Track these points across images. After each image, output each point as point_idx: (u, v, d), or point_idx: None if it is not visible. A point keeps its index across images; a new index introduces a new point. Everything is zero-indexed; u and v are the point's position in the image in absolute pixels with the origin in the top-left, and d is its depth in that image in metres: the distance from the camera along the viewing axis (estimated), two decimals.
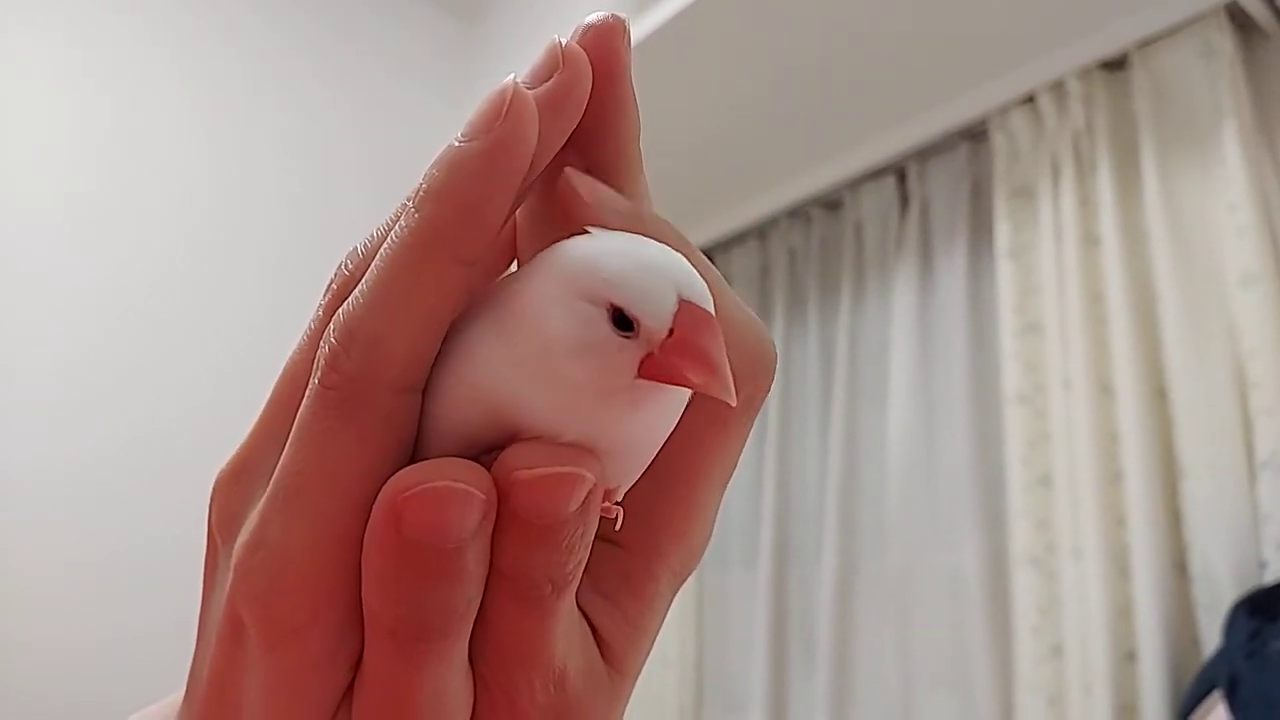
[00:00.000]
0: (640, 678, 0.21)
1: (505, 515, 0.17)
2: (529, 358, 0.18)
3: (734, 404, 0.17)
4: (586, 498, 0.17)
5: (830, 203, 1.85)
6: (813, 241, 1.87)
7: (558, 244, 0.19)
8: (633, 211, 0.19)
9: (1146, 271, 1.30)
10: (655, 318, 0.17)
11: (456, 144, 0.18)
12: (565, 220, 0.19)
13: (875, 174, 1.74)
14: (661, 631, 0.21)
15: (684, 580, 0.21)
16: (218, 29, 1.81)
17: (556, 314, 0.18)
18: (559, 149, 0.20)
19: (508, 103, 0.18)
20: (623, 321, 0.17)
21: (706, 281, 0.19)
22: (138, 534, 1.56)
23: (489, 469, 0.17)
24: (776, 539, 1.79)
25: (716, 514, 0.21)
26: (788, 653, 1.76)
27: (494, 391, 0.18)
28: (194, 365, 1.66)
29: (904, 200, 1.72)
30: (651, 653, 0.21)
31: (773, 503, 1.80)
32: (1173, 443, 1.25)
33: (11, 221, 1.58)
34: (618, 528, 0.19)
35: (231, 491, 0.19)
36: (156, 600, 1.51)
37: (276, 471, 0.18)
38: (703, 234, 1.97)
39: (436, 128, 1.96)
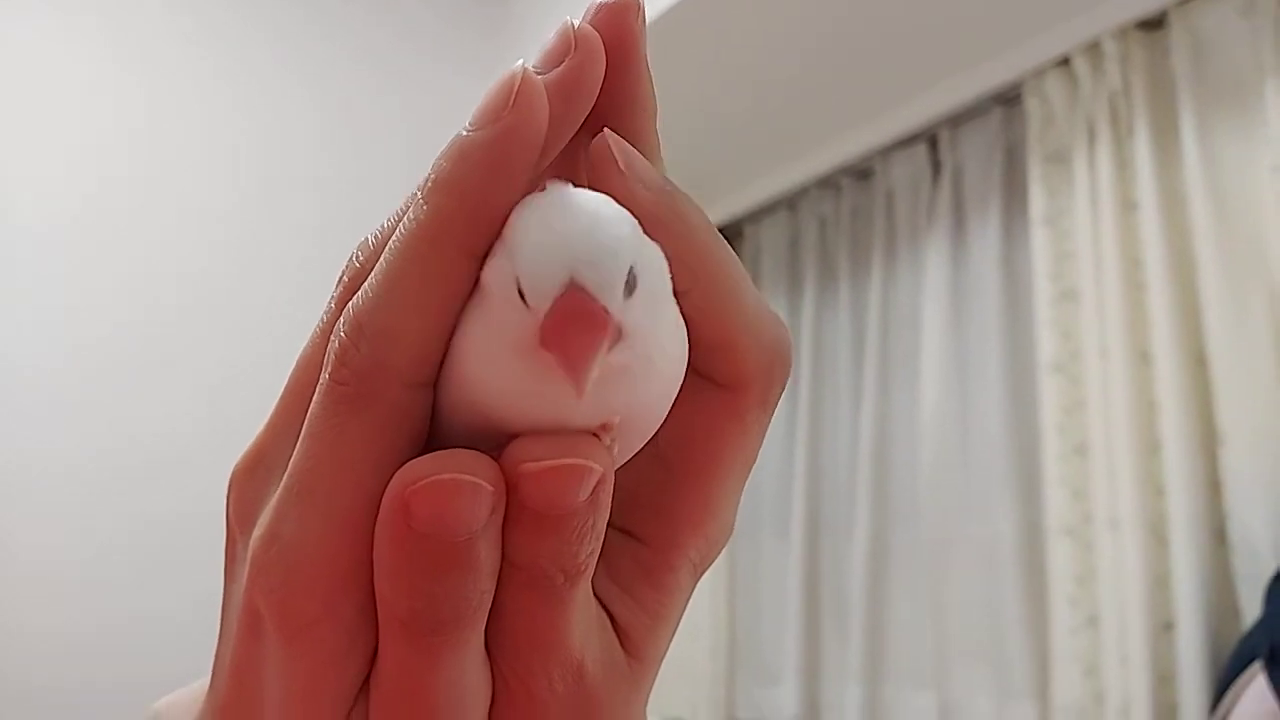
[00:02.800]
0: (672, 648, 0.21)
1: (515, 507, 0.17)
2: (473, 322, 0.17)
3: (578, 397, 0.16)
4: (596, 487, 0.16)
5: (861, 171, 1.83)
6: (843, 211, 1.85)
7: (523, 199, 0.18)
8: (664, 188, 0.19)
9: (1185, 237, 1.28)
10: (535, 293, 0.16)
11: (464, 133, 0.18)
12: (591, 186, 0.19)
13: (906, 141, 1.72)
14: (693, 602, 0.21)
15: (704, 570, 0.21)
16: (245, 11, 1.81)
17: (489, 268, 0.17)
18: (572, 134, 0.19)
19: (515, 90, 0.18)
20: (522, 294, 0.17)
21: (715, 270, 0.19)
22: (142, 519, 1.57)
23: (498, 461, 0.17)
24: (808, 509, 1.78)
25: (737, 506, 0.21)
26: (820, 623, 1.76)
27: (467, 373, 0.17)
28: (218, 352, 1.67)
29: (936, 167, 1.70)
30: (683, 624, 0.21)
31: (805, 473, 1.79)
32: (1212, 410, 1.23)
33: (39, 208, 1.59)
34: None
35: (248, 484, 0.19)
36: (160, 585, 1.55)
37: (289, 466, 0.18)
38: (732, 205, 1.96)
39: (470, 107, 1.95)
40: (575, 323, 0.16)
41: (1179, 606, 1.20)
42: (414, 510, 0.16)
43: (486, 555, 0.17)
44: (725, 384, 0.19)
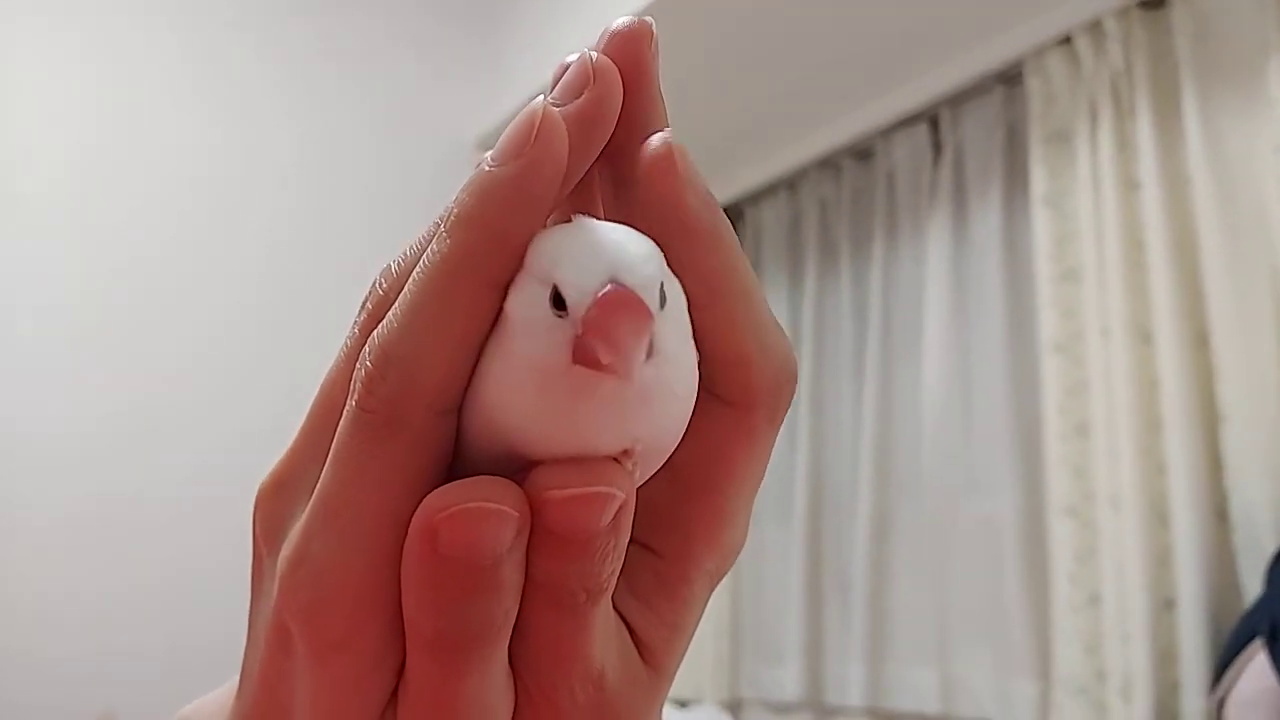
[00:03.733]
0: None
1: (539, 530, 0.17)
2: (497, 349, 0.18)
3: (631, 385, 0.17)
4: (618, 512, 0.17)
5: (861, 152, 1.82)
6: (844, 192, 1.84)
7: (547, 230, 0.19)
8: (709, 198, 0.19)
9: (1187, 216, 1.28)
10: (579, 291, 0.17)
11: (486, 168, 0.18)
12: (643, 178, 0.19)
13: (907, 121, 1.71)
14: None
15: (719, 579, 0.21)
16: (228, 16, 1.81)
17: (514, 296, 0.18)
18: (590, 165, 0.20)
19: (537, 126, 0.18)
20: (558, 300, 0.17)
21: (739, 285, 0.19)
22: (137, 488, 1.59)
23: (522, 485, 0.17)
24: (811, 491, 1.79)
25: (749, 518, 0.21)
26: (824, 604, 1.77)
27: (489, 398, 0.18)
28: (193, 330, 1.69)
29: (937, 147, 1.69)
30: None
31: (807, 455, 1.80)
32: (1214, 389, 1.23)
33: (22, 187, 1.60)
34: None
35: (274, 503, 0.20)
36: (155, 555, 1.57)
37: (317, 489, 0.18)
38: (732, 186, 1.95)
39: (444, 101, 1.96)
40: (620, 309, 0.17)
41: (1180, 584, 1.21)
42: (441, 536, 0.17)
43: (511, 577, 0.17)
44: (735, 401, 0.20)
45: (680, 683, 1.88)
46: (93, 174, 1.66)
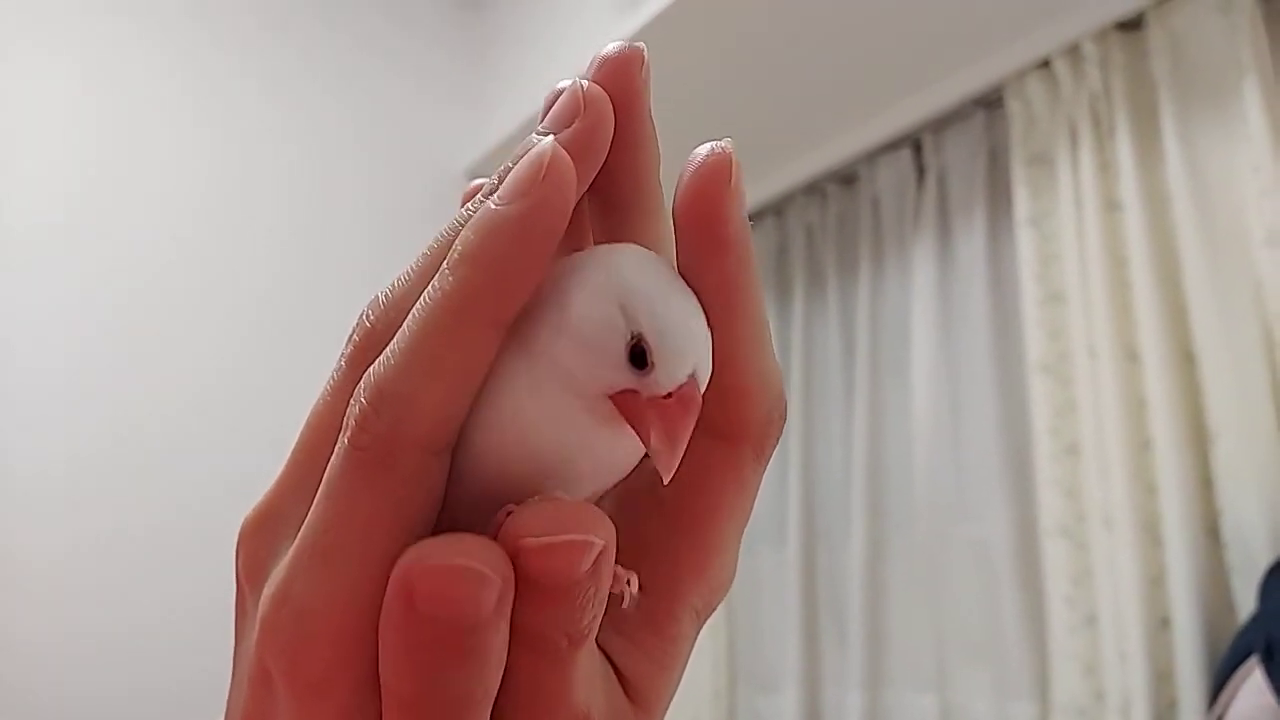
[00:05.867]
0: None
1: (517, 577, 0.17)
2: (540, 336, 0.18)
3: (666, 480, 0.18)
4: (598, 558, 0.17)
5: (846, 177, 1.83)
6: (829, 217, 1.85)
7: (610, 247, 0.19)
8: (747, 223, 0.19)
9: (1170, 235, 1.29)
10: (669, 378, 0.18)
11: (493, 207, 0.18)
12: (687, 204, 0.19)
13: (890, 146, 1.72)
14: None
15: (707, 617, 0.21)
16: (210, 23, 1.81)
17: (585, 299, 0.18)
18: (582, 194, 0.19)
19: (545, 166, 0.18)
20: (638, 355, 0.18)
21: (753, 314, 0.19)
22: (132, 525, 1.58)
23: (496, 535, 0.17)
24: (804, 518, 1.79)
25: (737, 553, 0.21)
26: (819, 631, 1.76)
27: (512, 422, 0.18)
28: (188, 362, 1.68)
29: (920, 172, 1.70)
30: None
31: (799, 482, 1.79)
32: (1202, 407, 1.23)
33: (15, 220, 1.59)
34: (625, 605, 0.19)
35: (258, 539, 0.20)
36: (151, 592, 1.55)
37: (304, 527, 0.18)
38: None
39: (434, 130, 1.97)
40: (691, 411, 0.18)
41: (1175, 603, 1.21)
42: (419, 593, 0.16)
43: (494, 646, 0.17)
44: (726, 435, 0.20)
45: (677, 712, 1.86)
46: (88, 209, 1.65)
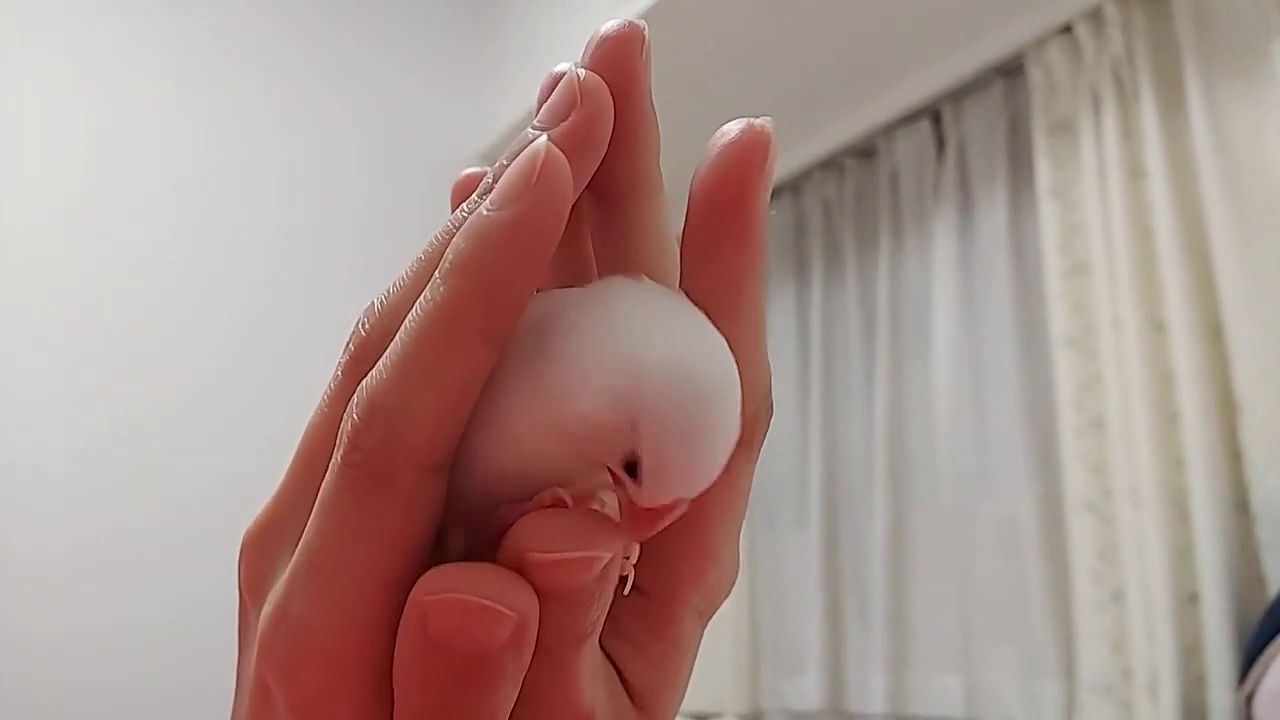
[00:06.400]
0: None
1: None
2: (542, 409, 0.17)
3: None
4: (605, 566, 0.17)
5: (864, 151, 1.81)
6: (847, 192, 1.83)
7: (625, 304, 0.17)
8: (768, 212, 0.19)
9: (1196, 203, 1.26)
10: (652, 501, 0.17)
11: (485, 213, 0.17)
12: (715, 181, 0.18)
13: (909, 118, 1.70)
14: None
15: (710, 616, 0.21)
16: (208, 16, 1.80)
17: (588, 390, 0.17)
18: (581, 189, 0.18)
19: (538, 168, 0.17)
20: (631, 465, 0.17)
21: (758, 306, 0.19)
22: (131, 524, 1.58)
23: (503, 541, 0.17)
24: (826, 497, 1.77)
25: (736, 551, 0.21)
26: (843, 611, 1.75)
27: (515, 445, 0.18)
28: (188, 360, 1.67)
29: (940, 143, 1.68)
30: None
31: (820, 461, 1.78)
32: (1230, 379, 1.21)
33: (13, 220, 1.60)
34: (626, 591, 0.19)
35: (258, 553, 0.19)
36: (150, 591, 1.55)
37: (300, 544, 0.18)
38: None
39: (442, 116, 1.95)
40: (662, 520, 0.17)
41: (1203, 578, 1.19)
42: (430, 622, 0.16)
43: (508, 673, 0.17)
44: None
45: (700, 696, 1.86)
46: (87, 206, 1.65)
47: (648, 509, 0.17)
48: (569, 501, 0.17)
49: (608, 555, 0.16)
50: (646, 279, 0.18)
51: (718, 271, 0.18)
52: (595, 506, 0.18)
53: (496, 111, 1.89)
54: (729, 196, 0.18)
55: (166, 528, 1.58)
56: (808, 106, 1.74)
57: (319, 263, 1.78)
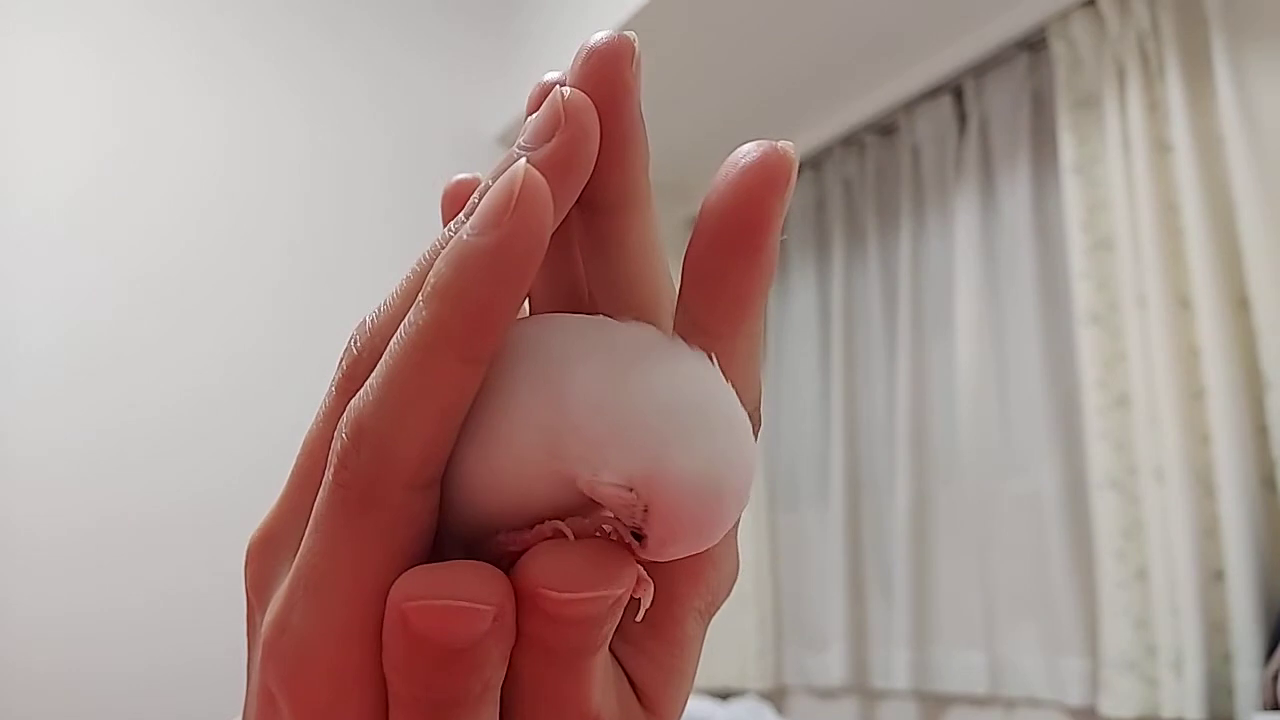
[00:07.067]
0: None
1: (534, 606, 0.17)
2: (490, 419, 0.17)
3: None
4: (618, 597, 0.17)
5: (885, 127, 1.79)
6: (868, 169, 1.82)
7: (641, 349, 0.17)
8: (779, 237, 0.18)
9: (1223, 178, 1.24)
10: (656, 556, 0.17)
11: (465, 238, 0.17)
12: (729, 201, 0.18)
13: (930, 94, 1.68)
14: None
15: (713, 615, 0.21)
16: (234, 5, 1.81)
17: (601, 465, 0.16)
18: (566, 212, 0.18)
19: (516, 193, 0.17)
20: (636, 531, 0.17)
21: (758, 322, 0.19)
22: (134, 506, 1.60)
23: (514, 578, 0.17)
24: (848, 474, 1.77)
25: (736, 550, 0.21)
26: (866, 588, 1.75)
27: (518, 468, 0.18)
28: (201, 344, 1.69)
29: (962, 119, 1.66)
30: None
31: (842, 438, 1.78)
32: (1257, 355, 1.20)
33: (28, 204, 1.61)
34: (636, 619, 0.19)
35: (262, 559, 0.20)
36: (152, 572, 1.57)
37: (298, 556, 0.18)
38: None
39: (462, 98, 1.95)
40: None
41: (1229, 555, 1.18)
42: (411, 623, 0.16)
43: (491, 654, 0.17)
44: None
45: (724, 671, 1.87)
46: (107, 189, 1.67)
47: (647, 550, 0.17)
48: (570, 534, 0.17)
49: (620, 594, 0.17)
50: (649, 326, 0.18)
51: (724, 294, 0.18)
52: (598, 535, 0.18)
53: (516, 94, 1.88)
54: (745, 220, 0.18)
55: (169, 509, 1.60)
56: (828, 83, 1.73)
57: (339, 248, 1.79)
